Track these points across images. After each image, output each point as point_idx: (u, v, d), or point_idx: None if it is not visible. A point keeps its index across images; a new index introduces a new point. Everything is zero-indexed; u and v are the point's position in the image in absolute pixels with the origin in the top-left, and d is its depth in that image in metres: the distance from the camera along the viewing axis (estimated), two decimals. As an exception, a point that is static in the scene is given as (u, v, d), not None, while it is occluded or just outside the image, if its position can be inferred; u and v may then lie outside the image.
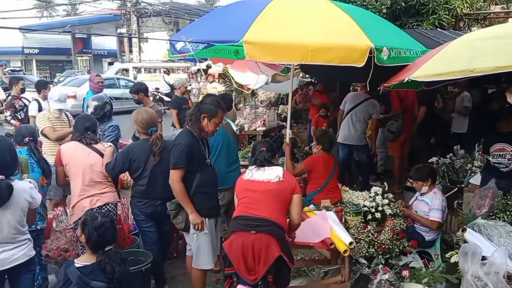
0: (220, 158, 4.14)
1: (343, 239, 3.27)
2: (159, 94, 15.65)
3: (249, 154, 5.84)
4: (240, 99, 11.78)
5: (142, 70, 21.69)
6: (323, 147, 4.65)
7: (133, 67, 21.71)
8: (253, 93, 9.92)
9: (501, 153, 4.19)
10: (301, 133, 8.96)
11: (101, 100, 4.95)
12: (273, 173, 2.95)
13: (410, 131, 6.96)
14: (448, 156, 5.77)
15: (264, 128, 7.94)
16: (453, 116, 7.21)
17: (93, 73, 8.77)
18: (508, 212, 3.61)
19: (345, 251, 3.16)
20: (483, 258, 3.08)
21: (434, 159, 5.74)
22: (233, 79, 7.18)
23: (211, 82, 13.95)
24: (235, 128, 4.53)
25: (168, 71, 18.48)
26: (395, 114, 6.79)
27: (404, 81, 3.29)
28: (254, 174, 2.98)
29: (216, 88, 12.11)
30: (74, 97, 13.34)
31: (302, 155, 7.42)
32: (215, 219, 3.49)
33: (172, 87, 11.74)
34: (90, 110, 4.84)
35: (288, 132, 4.84)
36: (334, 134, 4.98)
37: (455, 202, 4.98)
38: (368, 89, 5.71)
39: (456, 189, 5.22)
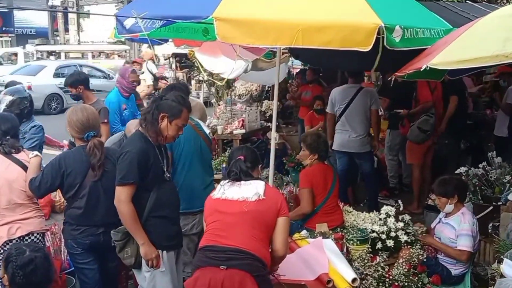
0: (193, 172, 4.16)
1: (344, 275, 3.29)
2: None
3: (224, 165, 5.89)
4: (212, 93, 11.77)
5: (62, 55, 21.65)
6: (319, 156, 4.68)
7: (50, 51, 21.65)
8: (229, 85, 9.91)
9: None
10: (291, 136, 9.00)
11: (17, 93, 4.89)
12: (251, 190, 2.96)
13: (437, 132, 7.07)
14: (481, 166, 5.87)
15: (243, 131, 7.95)
16: (496, 114, 7.34)
17: (127, 66, 8.50)
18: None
19: (344, 291, 3.19)
20: (525, 297, 3.14)
21: (463, 169, 5.83)
22: (202, 67, 7.19)
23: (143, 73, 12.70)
24: (207, 131, 4.55)
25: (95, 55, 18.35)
26: (425, 107, 6.83)
27: (421, 70, 3.35)
28: (226, 191, 2.99)
29: (146, 80, 10.83)
30: (30, 88, 13.11)
31: (294, 165, 7.45)
32: (176, 251, 3.47)
33: (156, 78, 11.35)
34: (2, 106, 4.77)
35: (273, 136, 4.87)
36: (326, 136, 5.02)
37: (490, 224, 5.08)
38: (363, 79, 5.78)
39: (492, 208, 5.32)
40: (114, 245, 3.39)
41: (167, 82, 12.49)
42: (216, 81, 8.05)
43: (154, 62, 12.09)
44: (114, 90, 6.15)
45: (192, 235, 4.18)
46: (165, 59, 18.65)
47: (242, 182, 3.02)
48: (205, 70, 7.47)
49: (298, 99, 9.30)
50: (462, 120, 7.16)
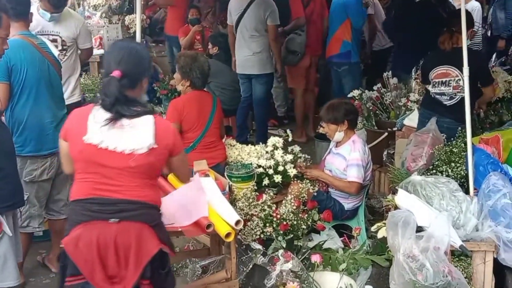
0: (41, 105, 4.00)
1: (226, 217, 3.34)
2: None
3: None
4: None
5: None
6: (192, 82, 4.60)
7: None
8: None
9: (443, 80, 4.59)
10: (162, 58, 8.92)
11: None
12: (138, 137, 2.72)
13: (317, 51, 7.26)
14: (375, 88, 6.17)
15: (101, 51, 7.68)
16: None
17: None
18: (453, 164, 4.02)
19: (228, 235, 3.25)
20: (420, 229, 3.41)
21: (356, 92, 6.10)
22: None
23: None
24: (55, 52, 4.29)
25: None
26: (298, 24, 6.97)
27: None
28: (104, 136, 2.71)
29: None
30: None
31: (167, 93, 7.36)
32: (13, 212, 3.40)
33: None
34: None
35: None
36: (207, 59, 4.88)
37: (385, 152, 5.42)
38: None
39: (387, 134, 5.66)
40: None
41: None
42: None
43: None
44: None
45: (41, 182, 4.06)
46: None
47: (125, 122, 2.73)
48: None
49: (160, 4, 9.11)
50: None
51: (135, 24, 7.09)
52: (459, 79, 4.44)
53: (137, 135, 2.73)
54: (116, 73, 2.73)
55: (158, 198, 2.92)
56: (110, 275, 2.72)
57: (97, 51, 7.48)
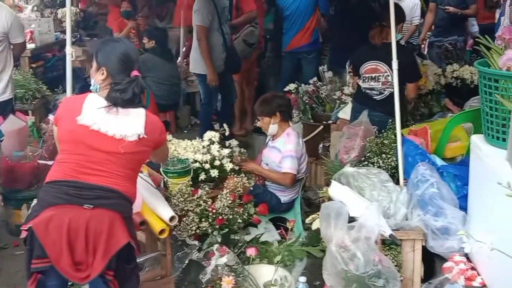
0: None
1: (160, 213, 3.35)
2: None
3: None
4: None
5: None
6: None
7: None
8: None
9: (373, 75, 4.72)
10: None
11: None
12: (130, 125, 2.81)
13: (261, 45, 7.34)
14: (311, 82, 6.28)
15: (33, 46, 7.55)
16: None
17: None
18: (384, 155, 4.14)
19: (161, 232, 3.26)
20: (352, 219, 3.51)
21: (292, 86, 6.19)
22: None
23: None
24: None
25: None
26: (249, 18, 7.04)
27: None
28: (99, 120, 2.78)
29: None
30: None
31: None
32: None
33: None
34: None
35: (68, 52, 4.58)
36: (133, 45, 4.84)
37: (320, 145, 5.53)
38: None
39: (322, 127, 5.77)
40: None
41: None
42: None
43: None
44: None
45: None
46: None
47: (120, 109, 2.82)
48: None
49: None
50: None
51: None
52: (388, 75, 4.57)
53: (129, 122, 2.82)
54: (136, 73, 2.90)
55: (134, 193, 2.94)
56: (77, 261, 2.71)
57: (28, 46, 7.32)
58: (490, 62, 3.24)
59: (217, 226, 3.83)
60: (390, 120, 4.24)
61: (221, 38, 6.36)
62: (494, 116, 3.15)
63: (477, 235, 3.00)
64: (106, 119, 2.80)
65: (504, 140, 3.03)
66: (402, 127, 4.12)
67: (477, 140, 3.41)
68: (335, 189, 3.81)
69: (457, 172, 3.77)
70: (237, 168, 4.59)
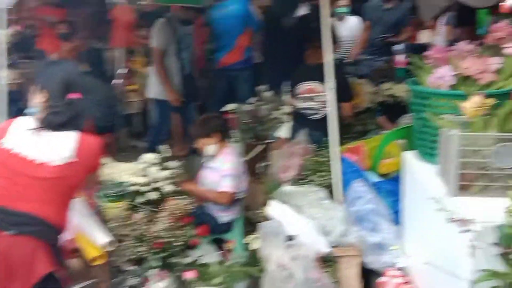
0: None
1: (95, 239, 3.30)
2: None
3: None
4: None
5: None
6: None
7: None
8: None
9: (309, 95, 4.78)
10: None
11: None
12: (58, 148, 2.72)
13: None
14: (252, 101, 6.31)
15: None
16: None
17: None
18: (320, 173, 4.19)
19: (94, 259, 3.20)
20: (291, 238, 3.54)
21: (232, 106, 6.21)
22: None
23: None
24: None
25: None
26: None
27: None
28: (22, 142, 2.70)
29: None
30: None
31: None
32: None
33: None
34: None
35: (3, 76, 4.50)
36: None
37: (261, 164, 5.55)
38: None
39: (263, 146, 5.79)
40: None
41: None
42: None
43: None
44: None
45: None
46: None
47: (50, 132, 2.74)
48: None
49: (38, 20, 8.83)
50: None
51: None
52: (324, 95, 4.64)
53: (57, 146, 2.73)
54: (75, 95, 2.84)
55: (63, 220, 2.83)
56: None
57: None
58: (420, 81, 3.34)
59: (156, 250, 3.79)
60: (327, 138, 4.30)
61: (178, 63, 6.44)
62: (425, 133, 3.24)
63: (411, 249, 3.07)
64: (30, 142, 2.73)
65: (434, 156, 3.11)
66: (341, 145, 4.18)
67: (409, 156, 3.50)
68: (274, 208, 3.84)
69: (391, 187, 3.85)
70: (177, 189, 4.56)
